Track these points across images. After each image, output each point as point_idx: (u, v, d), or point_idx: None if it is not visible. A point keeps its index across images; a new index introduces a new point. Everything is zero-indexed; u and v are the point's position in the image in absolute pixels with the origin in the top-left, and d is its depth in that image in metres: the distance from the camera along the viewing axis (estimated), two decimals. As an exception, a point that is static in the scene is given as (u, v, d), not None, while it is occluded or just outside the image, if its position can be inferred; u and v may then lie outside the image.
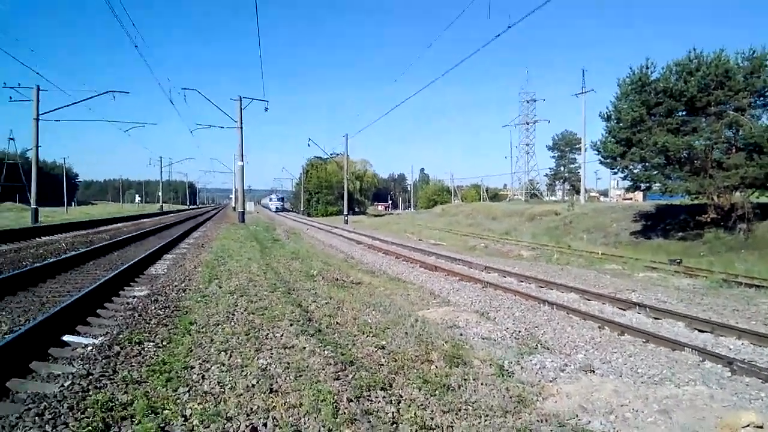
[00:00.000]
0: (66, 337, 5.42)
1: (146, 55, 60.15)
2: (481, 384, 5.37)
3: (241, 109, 34.46)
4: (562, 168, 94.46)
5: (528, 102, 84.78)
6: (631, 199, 61.35)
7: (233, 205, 66.61)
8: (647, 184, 30.04)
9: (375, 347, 6.13)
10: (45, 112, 30.47)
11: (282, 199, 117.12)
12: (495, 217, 49.74)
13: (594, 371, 6.96)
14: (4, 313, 6.57)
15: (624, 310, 11.29)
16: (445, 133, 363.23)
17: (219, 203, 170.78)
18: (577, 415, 5.21)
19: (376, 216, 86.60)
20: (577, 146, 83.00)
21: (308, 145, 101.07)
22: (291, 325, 6.50)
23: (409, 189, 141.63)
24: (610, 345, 8.44)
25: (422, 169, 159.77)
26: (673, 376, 6.88)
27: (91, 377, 4.26)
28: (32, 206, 29.63)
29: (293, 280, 10.66)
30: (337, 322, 7.24)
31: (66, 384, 4.09)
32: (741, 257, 20.83)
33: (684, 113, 26.91)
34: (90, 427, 3.29)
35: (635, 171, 28.92)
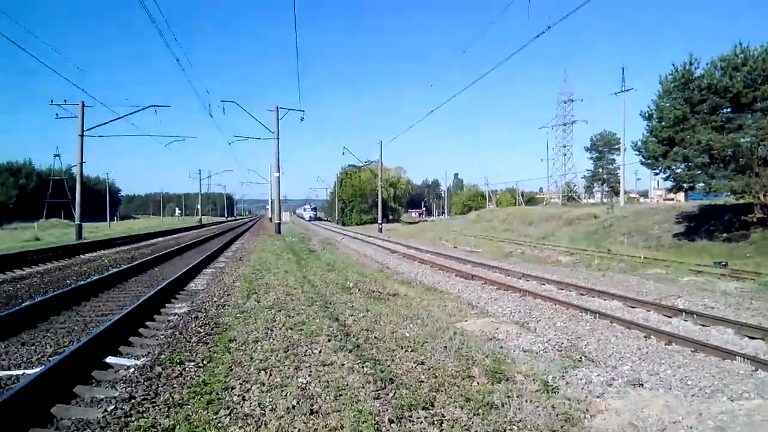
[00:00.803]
0: (109, 359, 5.49)
1: (186, 69, 61.64)
2: (526, 401, 5.21)
3: (278, 119, 34.74)
4: (600, 169, 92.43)
5: (566, 102, 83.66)
6: (672, 199, 59.55)
7: (269, 216, 67.47)
8: (690, 184, 29.14)
9: (414, 363, 6.03)
10: (89, 128, 30.83)
11: (315, 209, 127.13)
12: (531, 222, 49.02)
13: (642, 384, 6.71)
14: (49, 334, 6.71)
15: (670, 317, 10.92)
16: (480, 137, 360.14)
17: (256, 214, 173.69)
18: (627, 434, 5.01)
19: (410, 223, 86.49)
20: (616, 147, 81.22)
21: (343, 153, 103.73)
22: (329, 340, 6.47)
23: (443, 195, 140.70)
24: (657, 355, 8.15)
25: (456, 175, 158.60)
26: (726, 387, 6.59)
27: (133, 401, 4.29)
28: (77, 222, 30.42)
29: (330, 293, 10.65)
30: (375, 337, 7.16)
31: (109, 408, 4.11)
32: (791, 258, 20.01)
33: (729, 110, 26.07)
34: (133, 456, 3.29)
35: (678, 171, 28.10)
